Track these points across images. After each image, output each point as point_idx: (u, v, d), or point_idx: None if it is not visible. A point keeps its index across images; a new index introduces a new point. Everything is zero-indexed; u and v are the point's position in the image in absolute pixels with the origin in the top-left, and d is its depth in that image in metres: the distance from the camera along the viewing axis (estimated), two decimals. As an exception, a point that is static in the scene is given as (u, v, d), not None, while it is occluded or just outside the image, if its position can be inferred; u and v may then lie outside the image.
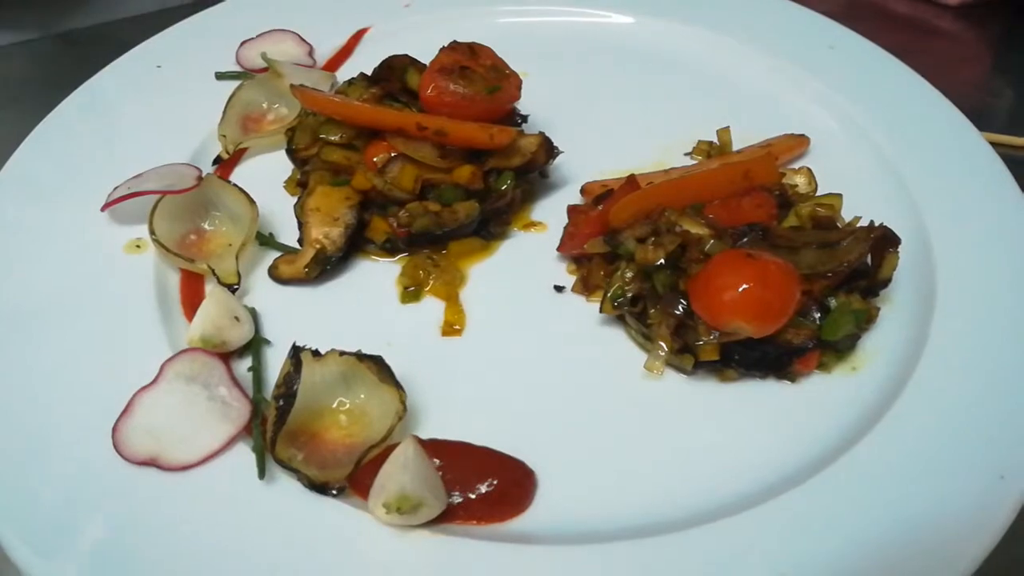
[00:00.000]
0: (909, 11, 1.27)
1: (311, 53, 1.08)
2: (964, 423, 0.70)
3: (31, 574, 0.60)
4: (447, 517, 0.65)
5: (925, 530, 0.63)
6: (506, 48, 0.93)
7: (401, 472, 0.63)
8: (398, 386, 0.70)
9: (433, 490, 0.64)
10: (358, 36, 1.12)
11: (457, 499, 0.66)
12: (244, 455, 0.68)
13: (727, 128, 0.95)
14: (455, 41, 0.90)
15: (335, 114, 0.87)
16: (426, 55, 0.94)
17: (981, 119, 1.02)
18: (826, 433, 0.72)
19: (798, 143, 0.96)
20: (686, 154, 0.96)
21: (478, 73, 0.87)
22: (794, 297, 0.71)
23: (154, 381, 0.72)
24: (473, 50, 0.90)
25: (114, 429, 0.68)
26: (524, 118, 0.93)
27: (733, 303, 0.69)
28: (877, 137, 0.96)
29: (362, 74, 0.96)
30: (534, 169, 0.89)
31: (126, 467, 0.66)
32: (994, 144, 1.00)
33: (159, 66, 1.05)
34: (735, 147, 0.95)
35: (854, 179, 0.90)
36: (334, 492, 0.66)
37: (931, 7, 1.27)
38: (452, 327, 0.81)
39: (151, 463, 0.67)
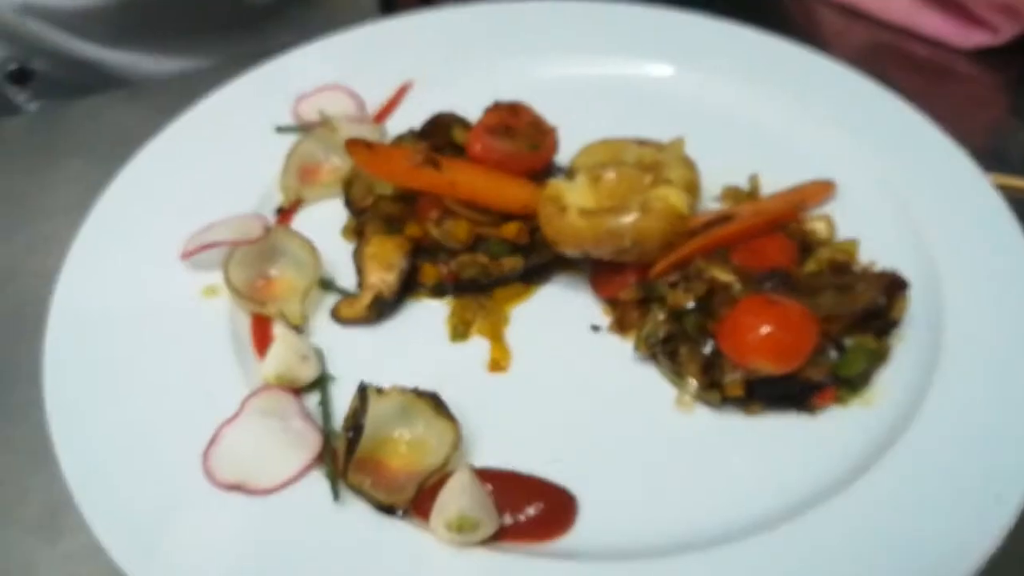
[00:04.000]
0: (928, 54, 1.33)
1: (362, 107, 1.16)
2: (966, 450, 0.76)
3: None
4: (499, 537, 0.73)
5: (927, 544, 0.70)
6: (543, 100, 1.01)
7: (460, 496, 0.71)
8: (452, 419, 0.78)
9: (487, 512, 0.72)
10: (403, 90, 1.20)
11: (508, 521, 0.74)
12: (318, 481, 0.76)
13: (756, 175, 1.02)
14: (498, 102, 0.99)
15: (380, 175, 0.96)
16: (467, 105, 1.03)
17: (996, 161, 1.08)
18: (842, 460, 0.78)
19: (824, 188, 1.02)
20: (714, 199, 1.02)
21: (520, 131, 0.96)
22: (812, 338, 0.78)
23: (236, 415, 0.80)
24: (514, 109, 0.98)
25: (204, 457, 0.77)
26: (561, 170, 1.02)
27: (756, 344, 0.76)
28: (893, 185, 1.02)
29: (411, 130, 1.05)
30: None
31: (216, 490, 0.75)
32: (1008, 187, 1.06)
33: (222, 120, 1.13)
34: (763, 191, 1.02)
35: (871, 224, 0.96)
36: (400, 513, 0.74)
37: (948, 51, 1.33)
38: (498, 364, 0.88)
39: (238, 487, 0.75)
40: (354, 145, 0.94)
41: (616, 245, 0.86)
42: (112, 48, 1.37)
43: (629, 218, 0.85)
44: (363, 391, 0.77)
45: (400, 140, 1.04)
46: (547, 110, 1.01)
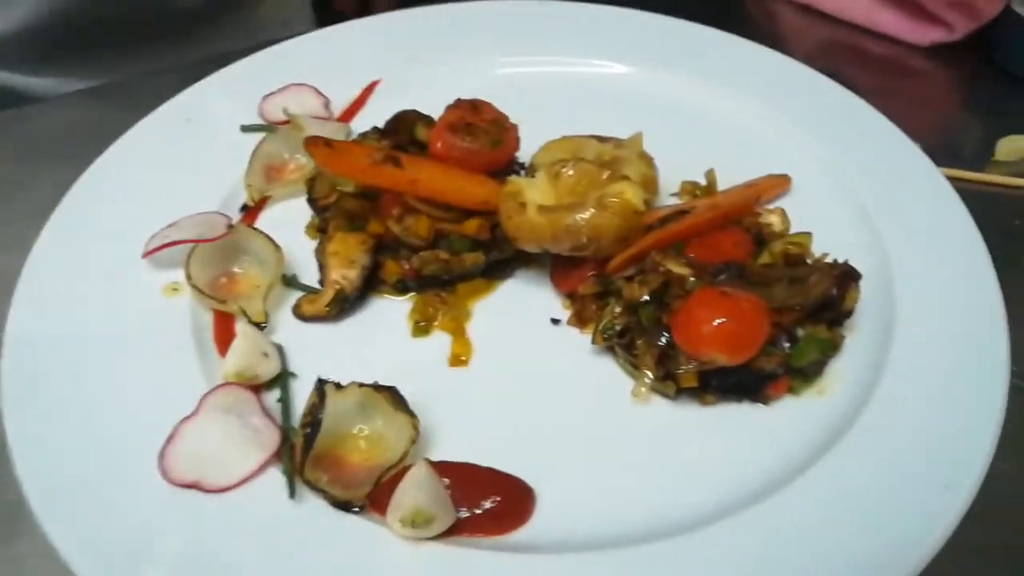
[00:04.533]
0: (884, 51, 1.36)
1: (327, 105, 1.17)
2: (916, 440, 0.78)
3: None
4: (456, 530, 0.73)
5: (879, 534, 0.71)
6: (506, 98, 1.03)
7: (415, 491, 0.71)
8: (411, 414, 0.78)
9: (443, 506, 0.72)
10: (369, 88, 1.21)
11: (464, 514, 0.74)
12: (275, 478, 0.76)
13: (712, 170, 1.04)
14: (460, 99, 0.99)
15: (340, 173, 0.96)
16: (431, 103, 1.03)
17: (949, 155, 1.11)
18: (795, 449, 0.79)
19: (780, 182, 1.04)
20: (672, 194, 1.04)
21: (481, 128, 0.96)
22: (764, 329, 0.79)
23: (195, 412, 0.80)
24: (475, 106, 0.99)
25: (161, 455, 0.77)
26: (522, 166, 1.03)
27: (709, 335, 0.78)
28: (847, 179, 1.04)
29: (375, 128, 1.05)
30: None
31: (171, 489, 0.74)
32: (960, 179, 1.09)
33: (188, 120, 1.14)
34: (720, 187, 1.03)
35: (824, 218, 0.98)
36: (356, 509, 0.74)
37: (905, 47, 1.36)
38: (459, 358, 0.89)
39: (194, 486, 0.75)
40: (313, 143, 0.94)
41: (573, 241, 0.87)
42: (28, 74, 1.35)
43: (585, 215, 0.86)
44: (321, 386, 0.78)
45: (363, 137, 1.05)
46: (509, 108, 1.02)
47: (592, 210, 0.86)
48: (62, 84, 1.35)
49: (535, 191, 0.91)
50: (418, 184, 0.92)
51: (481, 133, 0.96)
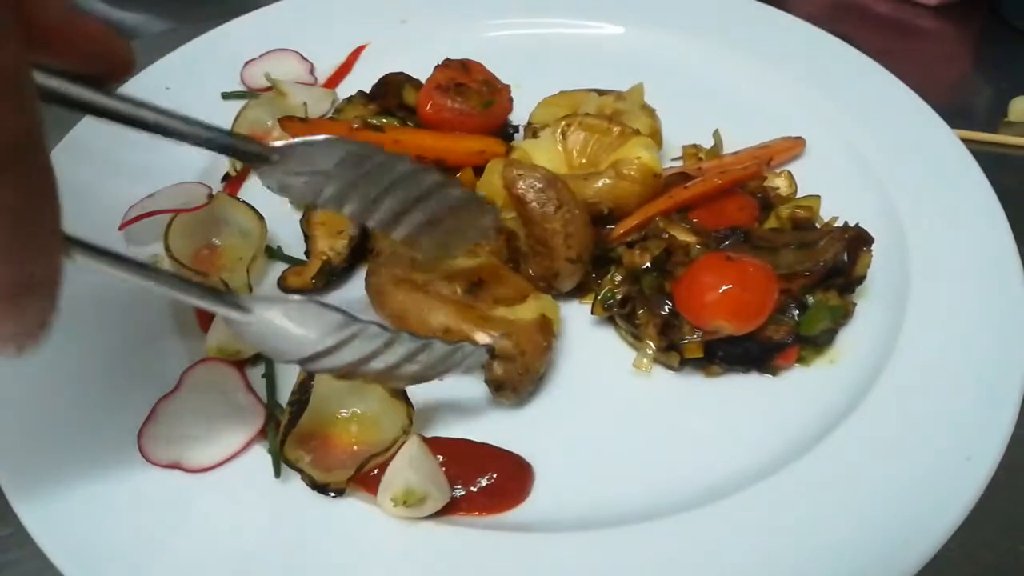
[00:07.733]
0: (890, 11, 1.31)
1: (312, 71, 1.12)
2: (934, 409, 0.74)
3: (62, 568, 0.65)
4: (451, 509, 0.70)
5: (898, 508, 0.68)
6: (498, 61, 0.98)
7: (407, 469, 0.68)
8: (407, 401, 0.74)
9: (437, 484, 0.69)
10: (356, 53, 1.16)
11: (459, 492, 0.71)
12: (261, 457, 0.72)
13: (718, 131, 0.99)
14: (448, 59, 0.95)
15: None
16: (421, 69, 0.99)
17: (961, 116, 1.06)
18: (806, 422, 0.76)
19: (793, 145, 1.00)
20: (674, 159, 1.00)
21: (472, 88, 0.92)
22: (772, 296, 0.75)
23: (174, 389, 0.76)
24: (466, 66, 0.94)
25: (139, 435, 0.73)
26: (516, 128, 0.98)
27: (714, 303, 0.74)
28: (856, 141, 0.99)
29: (360, 92, 1.00)
30: None
31: (151, 469, 0.71)
32: (973, 141, 1.05)
33: (167, 88, 1.09)
34: (724, 151, 0.99)
35: (833, 181, 0.94)
36: (332, 494, 0.70)
37: (911, 7, 1.31)
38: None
39: (175, 466, 0.71)
40: (287, 121, 0.91)
41: (594, 211, 0.83)
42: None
43: (607, 182, 0.82)
44: (309, 362, 0.74)
45: (348, 102, 1.00)
46: (501, 71, 0.97)
47: (610, 179, 0.82)
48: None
49: (542, 154, 0.86)
50: (402, 144, 0.87)
51: (472, 94, 0.92)
